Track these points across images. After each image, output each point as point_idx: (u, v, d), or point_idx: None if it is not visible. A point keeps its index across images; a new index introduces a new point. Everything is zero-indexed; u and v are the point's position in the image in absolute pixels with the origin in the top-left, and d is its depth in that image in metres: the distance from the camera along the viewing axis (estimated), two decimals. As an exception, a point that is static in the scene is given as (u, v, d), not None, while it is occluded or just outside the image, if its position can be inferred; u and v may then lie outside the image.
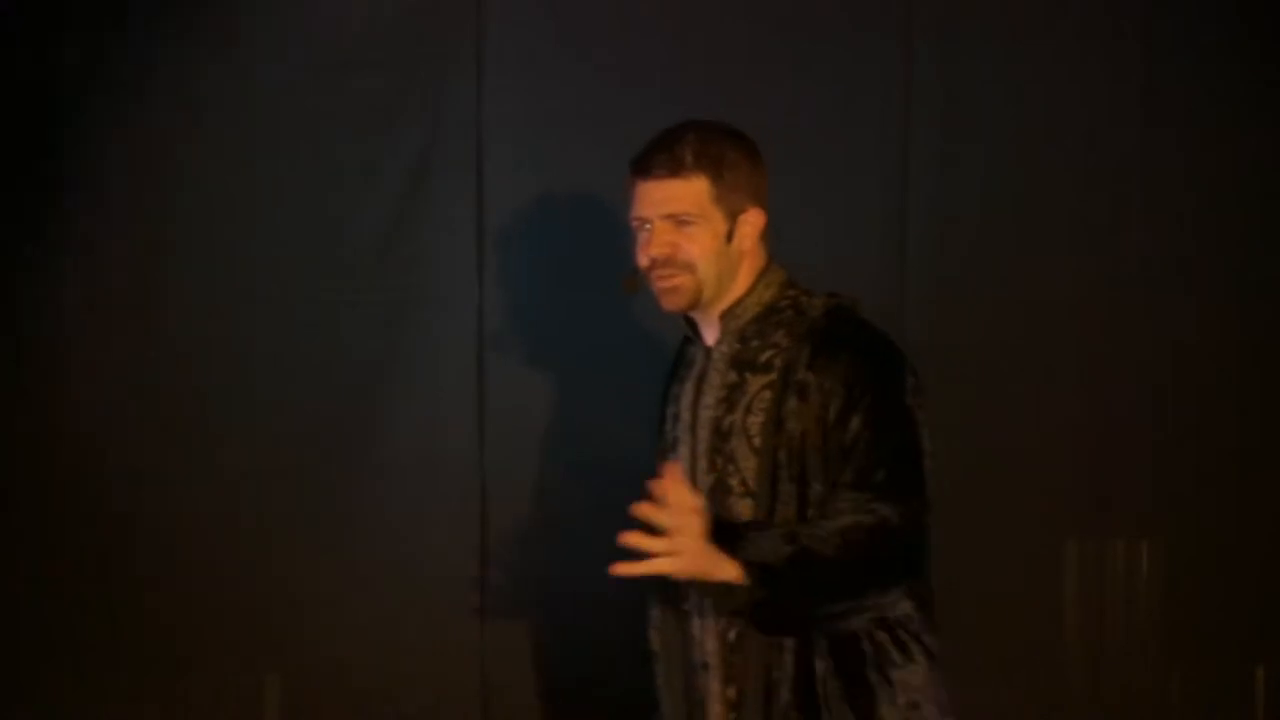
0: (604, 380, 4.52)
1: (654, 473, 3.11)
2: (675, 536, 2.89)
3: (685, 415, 3.21)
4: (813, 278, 4.56)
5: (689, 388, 3.23)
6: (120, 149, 4.46)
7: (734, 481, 3.12)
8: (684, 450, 3.20)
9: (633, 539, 2.90)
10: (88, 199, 4.45)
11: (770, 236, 3.22)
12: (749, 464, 3.10)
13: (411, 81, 4.48)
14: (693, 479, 3.16)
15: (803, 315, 3.15)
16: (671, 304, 3.17)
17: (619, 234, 4.54)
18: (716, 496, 3.12)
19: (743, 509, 3.10)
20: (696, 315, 3.23)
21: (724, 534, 2.94)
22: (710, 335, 3.22)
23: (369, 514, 4.51)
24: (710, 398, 3.17)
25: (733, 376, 3.16)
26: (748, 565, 2.94)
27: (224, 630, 4.46)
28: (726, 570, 2.94)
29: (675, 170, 3.11)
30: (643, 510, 2.91)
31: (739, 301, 3.18)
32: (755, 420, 3.10)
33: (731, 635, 3.14)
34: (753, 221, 3.17)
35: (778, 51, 4.54)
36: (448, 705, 4.54)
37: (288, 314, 4.49)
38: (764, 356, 3.14)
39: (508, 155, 4.50)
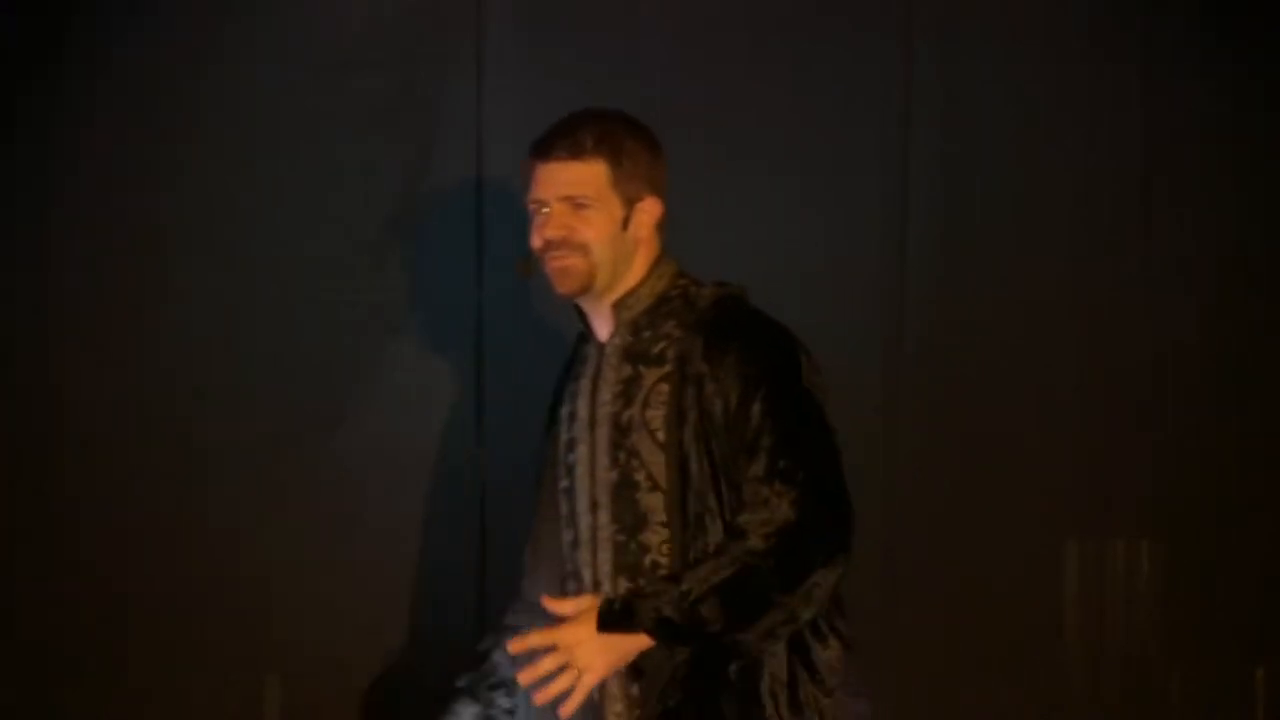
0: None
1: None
2: (569, 658, 2.95)
3: (583, 413, 3.19)
4: (813, 278, 4.60)
5: (585, 385, 3.21)
6: (120, 149, 4.45)
7: (640, 477, 3.10)
8: (583, 449, 3.17)
9: (544, 693, 2.96)
10: (88, 199, 4.45)
11: (665, 228, 3.22)
12: (655, 459, 3.09)
13: (411, 81, 4.48)
14: (591, 477, 3.15)
15: (691, 305, 3.15)
16: (564, 286, 3.15)
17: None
18: (622, 493, 3.11)
19: (651, 503, 3.09)
20: (589, 307, 3.21)
21: (614, 617, 2.97)
22: (603, 329, 3.21)
23: (369, 514, 4.50)
24: (607, 393, 3.16)
25: (627, 370, 3.15)
26: (650, 633, 2.96)
27: (224, 630, 4.46)
28: (639, 643, 2.97)
29: (575, 153, 3.11)
30: (522, 647, 2.98)
31: (632, 292, 3.17)
32: (656, 414, 3.09)
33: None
34: (649, 210, 3.17)
35: (778, 51, 4.54)
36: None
37: (288, 314, 4.48)
38: (656, 348, 3.13)
39: (508, 155, 4.49)
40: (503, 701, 3.31)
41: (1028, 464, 4.64)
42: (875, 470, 4.62)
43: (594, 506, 3.14)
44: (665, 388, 3.09)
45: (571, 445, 3.19)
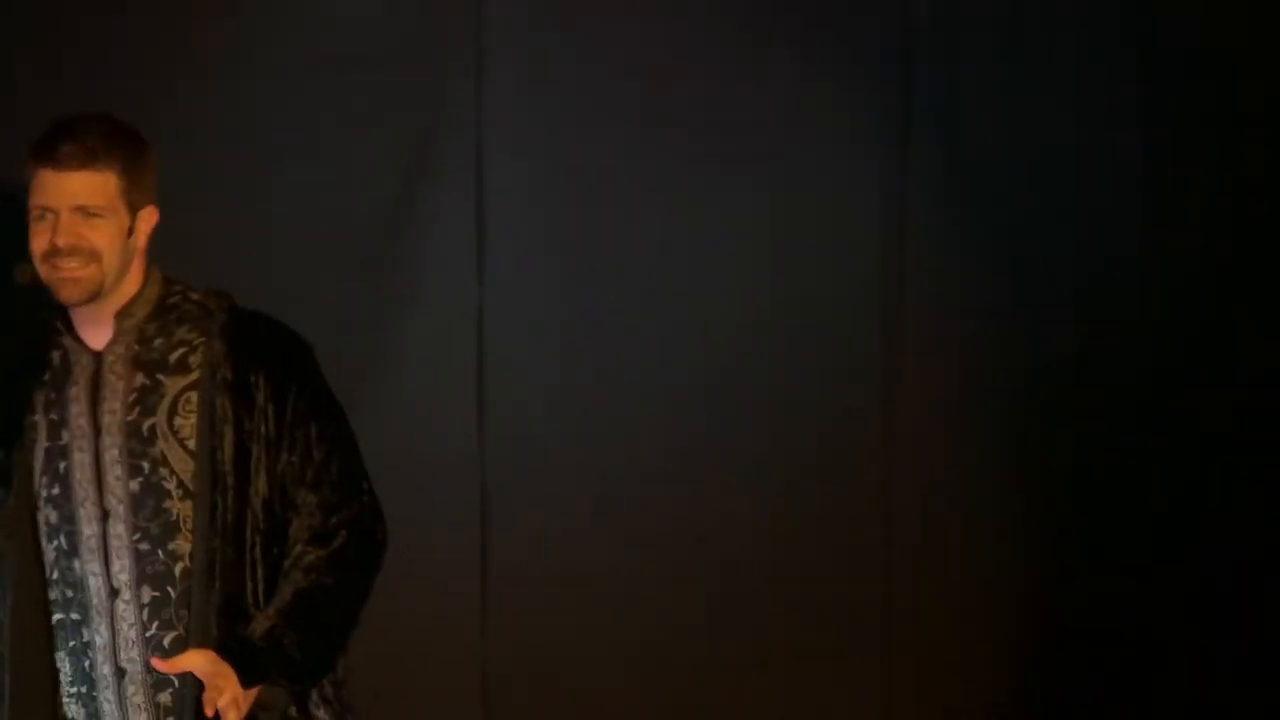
0: (604, 379, 4.53)
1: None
2: (222, 690, 3.03)
3: (80, 422, 3.17)
4: (813, 277, 4.61)
5: (78, 393, 3.18)
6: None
7: (170, 485, 3.13)
8: (82, 457, 3.17)
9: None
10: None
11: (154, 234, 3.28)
12: (185, 467, 3.12)
13: (411, 81, 4.48)
14: (97, 485, 3.15)
15: (206, 311, 3.20)
16: (72, 295, 3.13)
17: (620, 234, 4.56)
18: (147, 502, 3.14)
19: (183, 510, 3.12)
20: (80, 315, 3.19)
21: (254, 672, 3.07)
22: (98, 337, 3.19)
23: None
24: (116, 402, 3.16)
25: (141, 379, 3.16)
26: (288, 680, 3.11)
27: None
28: (259, 679, 3.08)
29: (88, 161, 3.10)
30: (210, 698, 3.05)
31: (133, 300, 3.19)
32: (186, 422, 3.13)
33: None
34: (149, 219, 3.20)
35: (778, 50, 4.55)
36: (448, 706, 4.53)
37: (288, 314, 4.47)
38: (175, 356, 3.16)
39: (508, 155, 4.49)
40: None
41: (1027, 463, 4.65)
42: (875, 470, 4.64)
43: (104, 516, 3.15)
44: (194, 395, 3.13)
45: (62, 453, 3.17)
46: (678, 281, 4.55)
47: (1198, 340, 4.66)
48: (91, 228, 3.12)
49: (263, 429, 3.14)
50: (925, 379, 4.63)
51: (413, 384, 4.51)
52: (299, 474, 3.16)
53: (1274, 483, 4.65)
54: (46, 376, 3.20)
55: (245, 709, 3.05)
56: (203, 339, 3.16)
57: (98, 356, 3.19)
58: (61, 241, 3.10)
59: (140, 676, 3.16)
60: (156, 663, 3.08)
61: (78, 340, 3.20)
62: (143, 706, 3.16)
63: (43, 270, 3.13)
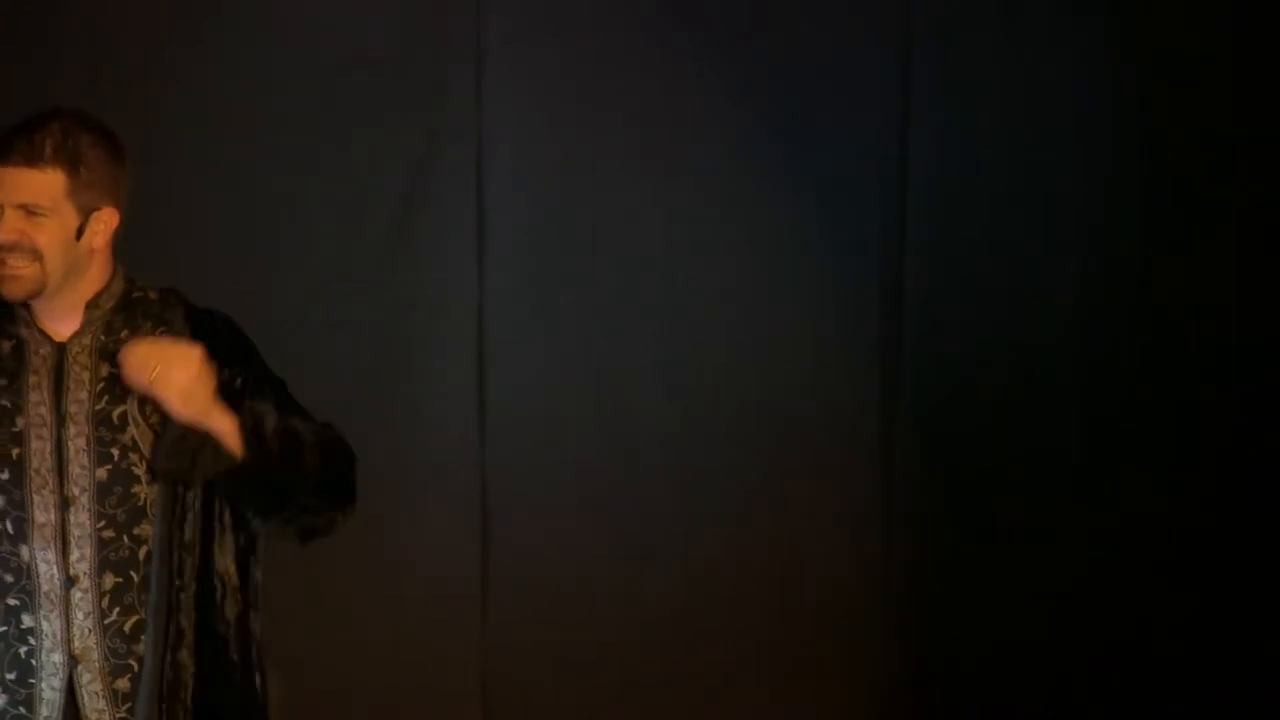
0: (604, 378, 4.53)
1: None
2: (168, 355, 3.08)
3: (40, 410, 3.18)
4: (812, 276, 4.62)
5: (38, 382, 3.19)
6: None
7: (139, 470, 3.16)
8: (41, 445, 3.17)
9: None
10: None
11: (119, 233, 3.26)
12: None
13: (411, 81, 4.48)
14: (58, 474, 3.16)
15: (166, 306, 3.24)
16: (13, 292, 3.15)
17: (619, 233, 4.56)
18: (115, 489, 3.16)
19: (150, 494, 3.16)
20: (43, 306, 3.20)
21: (226, 387, 3.13)
22: (62, 328, 3.21)
23: (368, 514, 4.49)
24: (82, 392, 3.18)
25: (109, 369, 3.18)
26: (244, 425, 3.09)
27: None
28: (224, 422, 3.08)
29: (33, 160, 3.11)
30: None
31: (100, 292, 3.21)
32: (155, 408, 3.15)
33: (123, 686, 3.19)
34: (106, 220, 3.19)
35: (778, 50, 4.55)
36: (448, 706, 4.54)
37: (287, 315, 4.48)
38: None
39: (508, 155, 4.50)
40: None
41: (1027, 462, 4.65)
42: (875, 470, 4.64)
43: (64, 504, 3.15)
44: None
45: (15, 440, 3.17)
46: (677, 280, 4.55)
47: (1199, 339, 4.66)
48: (35, 226, 3.12)
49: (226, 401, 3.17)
50: (925, 378, 4.63)
51: (413, 384, 4.52)
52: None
53: (1277, 482, 4.66)
54: (12, 367, 3.20)
55: (205, 394, 3.06)
56: (164, 329, 3.21)
57: (60, 347, 3.21)
58: (3, 238, 3.11)
59: (97, 664, 3.16)
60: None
61: (40, 331, 3.22)
62: (100, 694, 3.16)
63: None
